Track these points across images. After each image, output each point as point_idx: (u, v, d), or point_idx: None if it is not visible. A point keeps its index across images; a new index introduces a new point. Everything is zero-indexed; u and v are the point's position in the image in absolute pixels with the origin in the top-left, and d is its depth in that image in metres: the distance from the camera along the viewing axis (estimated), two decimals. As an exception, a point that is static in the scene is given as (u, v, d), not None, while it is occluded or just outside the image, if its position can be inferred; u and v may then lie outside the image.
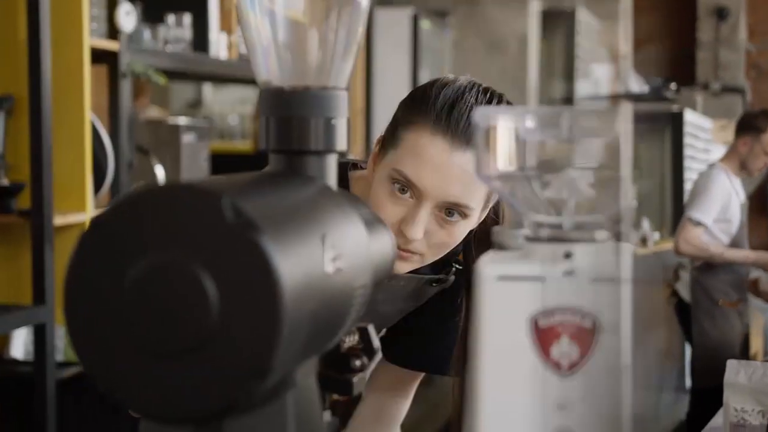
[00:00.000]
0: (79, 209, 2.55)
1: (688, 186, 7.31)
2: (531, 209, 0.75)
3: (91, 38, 2.60)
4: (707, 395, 4.30)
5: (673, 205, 7.29)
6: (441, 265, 1.41)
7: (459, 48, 5.74)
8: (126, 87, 2.73)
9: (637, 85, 5.80)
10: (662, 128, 6.94)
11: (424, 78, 6.60)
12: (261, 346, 0.63)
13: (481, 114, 0.74)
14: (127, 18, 2.69)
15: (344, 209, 0.80)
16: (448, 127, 1.23)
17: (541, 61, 6.41)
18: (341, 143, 0.85)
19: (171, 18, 3.07)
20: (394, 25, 5.70)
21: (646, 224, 6.56)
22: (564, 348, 0.70)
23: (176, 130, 3.10)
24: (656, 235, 6.56)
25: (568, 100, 7.39)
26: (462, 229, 1.28)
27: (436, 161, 1.23)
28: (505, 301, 0.71)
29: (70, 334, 0.65)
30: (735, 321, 4.44)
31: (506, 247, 0.80)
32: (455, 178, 1.23)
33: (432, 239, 1.27)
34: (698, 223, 4.21)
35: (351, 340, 0.90)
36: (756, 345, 5.25)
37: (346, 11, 0.85)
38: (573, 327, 0.70)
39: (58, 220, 2.47)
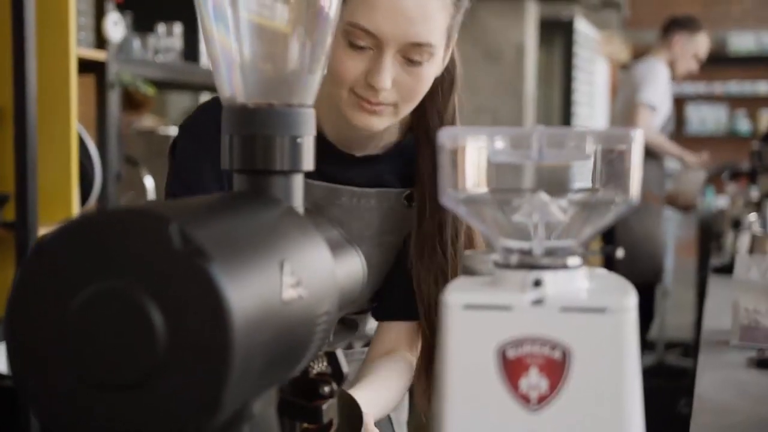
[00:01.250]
0: (65, 221, 2.51)
1: (576, 96, 7.43)
2: (500, 234, 0.72)
3: (79, 48, 2.57)
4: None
5: (562, 115, 7.38)
6: (410, 182, 1.40)
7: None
8: (114, 97, 2.70)
9: None
10: (552, 35, 7.03)
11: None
12: (210, 379, 0.59)
13: (447, 134, 0.71)
14: (115, 28, 2.66)
15: (308, 233, 0.77)
16: None
17: (539, 69, 6.39)
18: (308, 162, 0.82)
19: (161, 27, 3.04)
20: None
21: None
22: (533, 380, 0.67)
23: (167, 140, 3.07)
24: None
25: (567, 107, 7.41)
26: (429, 71, 1.25)
27: (389, 4, 1.20)
28: (472, 330, 0.68)
29: (10, 361, 0.62)
30: (658, 219, 4.48)
31: (476, 272, 0.77)
32: (412, 16, 1.20)
33: (401, 87, 1.24)
34: (653, 108, 4.30)
35: (319, 365, 0.87)
36: None
37: (312, 24, 0.82)
38: (542, 358, 0.67)
39: (44, 232, 2.43)
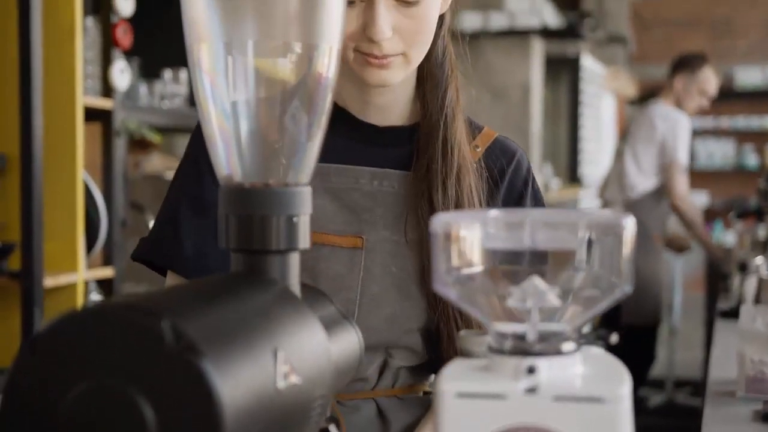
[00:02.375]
0: (70, 270, 2.52)
1: (583, 133, 7.45)
2: (493, 318, 0.72)
3: (85, 96, 2.59)
4: (635, 332, 4.31)
5: (569, 152, 7.39)
6: None
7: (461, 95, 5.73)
8: (120, 145, 2.71)
9: (553, 18, 5.79)
10: (559, 72, 7.06)
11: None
12: (203, 475, 0.59)
13: (439, 222, 0.71)
14: (122, 76, 2.68)
15: (303, 314, 0.77)
16: None
17: (545, 106, 6.41)
18: (304, 241, 0.82)
19: (168, 73, 3.06)
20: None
21: (548, 170, 6.52)
22: (527, 471, 0.67)
23: (173, 185, 3.07)
24: (557, 182, 6.54)
25: (573, 143, 7.43)
26: (429, 10, 1.19)
27: None
28: (466, 419, 0.68)
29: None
30: (663, 260, 4.48)
31: (472, 353, 0.77)
32: None
33: (403, 33, 1.18)
34: (686, 168, 4.34)
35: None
36: None
37: (310, 99, 0.83)
38: (536, 448, 0.67)
39: (49, 282, 2.44)
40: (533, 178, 1.32)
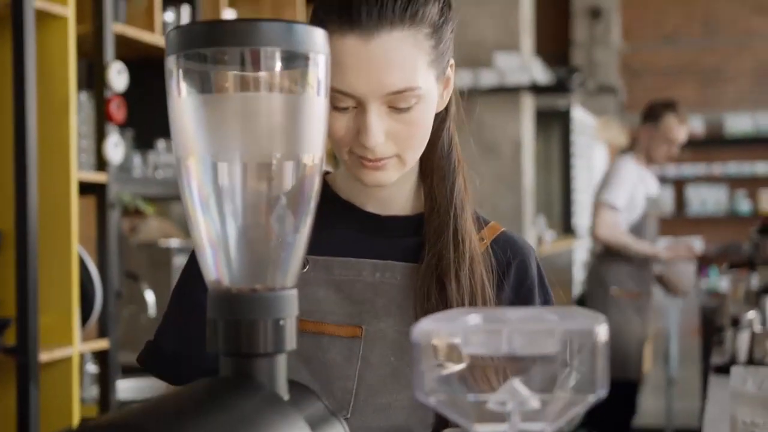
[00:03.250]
0: (66, 343, 2.54)
1: (575, 184, 7.48)
2: (474, 420, 0.74)
3: (80, 171, 2.62)
4: (615, 386, 4.30)
5: (562, 203, 7.41)
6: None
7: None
8: (114, 217, 2.74)
9: (542, 74, 5.85)
10: (550, 124, 7.11)
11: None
12: None
13: (420, 331, 0.74)
14: (116, 150, 2.72)
15: (289, 419, 0.79)
16: (352, 18, 1.14)
17: (537, 158, 6.47)
18: (290, 342, 0.85)
19: (161, 144, 3.10)
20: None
21: (541, 222, 6.53)
22: None
23: (168, 253, 3.10)
24: (551, 234, 6.56)
25: (566, 194, 7.48)
26: (423, 113, 1.18)
27: (355, 61, 1.13)
28: None
29: None
30: (631, 315, 4.44)
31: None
32: (382, 67, 1.13)
33: (397, 137, 1.17)
34: (612, 207, 4.33)
35: None
36: (648, 357, 5.19)
37: (296, 204, 0.86)
38: None
39: (45, 356, 2.45)
40: (541, 274, 1.32)
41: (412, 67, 1.15)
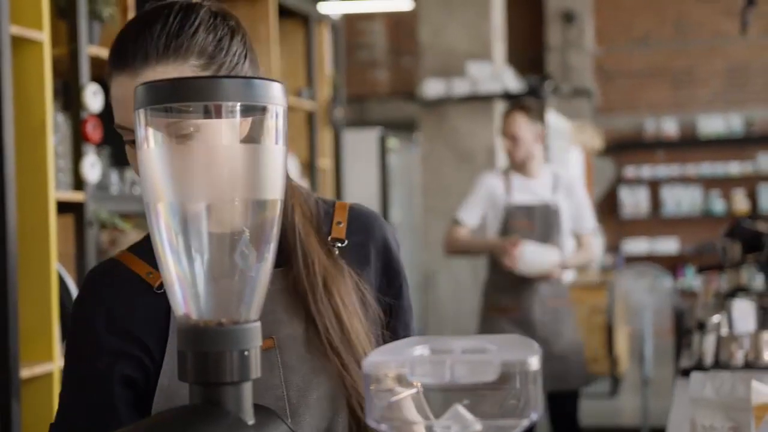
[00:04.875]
0: (46, 360, 2.59)
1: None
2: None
3: (57, 191, 2.68)
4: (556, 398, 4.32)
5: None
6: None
7: (428, 160, 5.88)
8: (92, 235, 2.80)
9: (514, 82, 5.84)
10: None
11: (395, 194, 6.78)
12: None
13: (369, 362, 0.81)
14: (92, 169, 2.78)
15: (254, 444, 0.86)
16: (121, 59, 1.20)
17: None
18: (255, 371, 0.91)
19: (137, 160, 3.16)
20: (363, 144, 5.87)
21: None
22: None
23: (145, 266, 3.15)
24: None
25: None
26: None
27: (127, 96, 1.18)
28: None
29: None
30: (508, 330, 4.25)
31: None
32: None
33: None
34: (456, 222, 4.19)
35: None
36: (623, 356, 5.03)
37: (256, 251, 0.92)
38: None
39: (25, 373, 2.51)
40: (396, 245, 1.37)
41: None
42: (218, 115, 0.89)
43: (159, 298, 1.26)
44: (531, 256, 4.02)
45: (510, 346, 0.84)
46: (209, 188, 0.90)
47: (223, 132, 0.90)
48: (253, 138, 0.91)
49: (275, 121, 0.91)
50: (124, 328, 1.26)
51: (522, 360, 0.79)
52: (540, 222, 4.20)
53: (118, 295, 1.29)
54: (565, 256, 4.22)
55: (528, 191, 4.23)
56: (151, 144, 0.90)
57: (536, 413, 0.80)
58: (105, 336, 1.26)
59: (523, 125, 4.13)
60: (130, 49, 1.20)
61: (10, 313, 2.46)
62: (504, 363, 0.79)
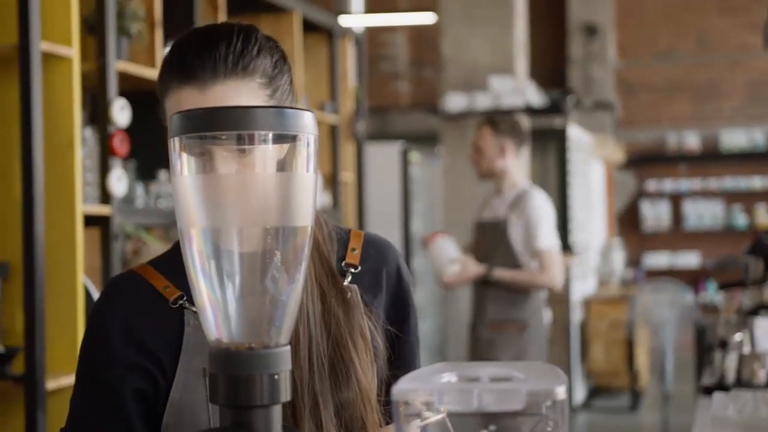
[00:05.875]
0: (72, 372, 2.61)
1: (572, 201, 7.54)
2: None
3: (85, 204, 2.71)
4: None
5: (559, 220, 7.46)
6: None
7: (450, 173, 5.89)
8: (118, 248, 2.83)
9: (536, 97, 5.84)
10: (546, 143, 7.17)
11: (416, 207, 6.79)
12: None
13: (398, 390, 0.82)
14: (119, 183, 2.81)
15: (284, 466, 0.87)
16: (188, 72, 1.21)
17: (534, 177, 6.55)
18: (285, 394, 0.93)
19: (163, 174, 3.19)
20: (385, 157, 5.88)
21: None
22: None
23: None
24: None
25: (563, 212, 7.55)
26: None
27: (192, 106, 1.19)
28: None
29: None
30: (470, 344, 4.17)
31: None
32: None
33: None
34: None
35: None
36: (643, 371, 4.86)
37: (286, 275, 0.94)
38: None
39: (51, 384, 2.53)
40: (408, 275, 1.39)
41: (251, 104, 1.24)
42: (250, 144, 0.90)
43: (174, 313, 1.28)
44: (436, 251, 4.02)
45: (537, 374, 0.85)
46: (242, 215, 0.92)
47: (255, 159, 0.92)
48: (285, 166, 0.92)
49: (306, 149, 0.93)
50: (138, 340, 1.27)
51: (549, 390, 0.80)
52: (489, 238, 4.14)
53: (134, 307, 1.31)
54: (494, 268, 4.03)
55: (490, 208, 4.23)
56: (185, 172, 0.92)
57: (561, 442, 0.81)
58: (119, 346, 1.28)
59: (487, 137, 4.14)
60: (197, 63, 1.21)
61: (36, 325, 2.49)
62: (531, 392, 0.80)
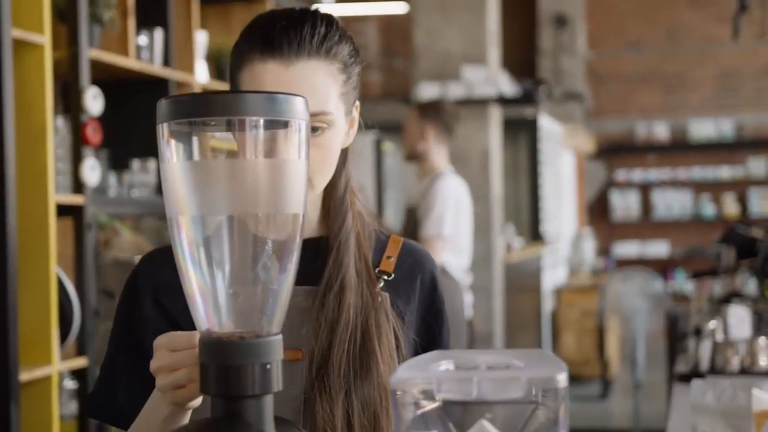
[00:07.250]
0: (45, 362, 2.59)
1: (543, 191, 7.61)
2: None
3: (57, 194, 2.67)
4: None
5: (530, 210, 7.54)
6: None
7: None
8: (91, 238, 2.80)
9: (509, 87, 5.87)
10: (517, 133, 7.21)
11: (389, 197, 6.79)
12: None
13: (397, 379, 0.81)
14: (92, 173, 2.77)
15: (277, 458, 0.86)
16: (273, 47, 1.22)
17: (505, 167, 6.56)
18: (276, 384, 0.91)
19: (136, 164, 3.16)
20: (358, 147, 5.84)
21: (510, 230, 6.64)
22: None
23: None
24: (520, 241, 6.64)
25: (534, 201, 7.59)
26: (332, 140, 1.25)
27: (275, 84, 1.21)
28: None
29: None
30: None
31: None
32: (301, 89, 1.18)
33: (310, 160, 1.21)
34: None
35: None
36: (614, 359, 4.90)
37: (277, 265, 0.92)
38: None
39: (24, 376, 2.50)
40: (439, 280, 1.39)
41: (325, 93, 1.24)
42: (241, 130, 0.89)
43: None
44: None
45: (536, 361, 0.84)
46: (232, 202, 0.90)
47: (246, 146, 0.90)
48: (275, 152, 0.91)
49: (298, 136, 0.91)
50: (167, 312, 1.27)
51: (549, 377, 0.79)
52: (409, 224, 4.14)
53: (168, 279, 1.28)
54: None
55: (414, 194, 4.28)
56: (173, 158, 0.90)
57: (565, 430, 0.80)
58: (150, 312, 1.29)
59: (411, 120, 4.19)
60: (283, 38, 1.22)
61: (9, 315, 2.46)
62: (530, 380, 0.79)
